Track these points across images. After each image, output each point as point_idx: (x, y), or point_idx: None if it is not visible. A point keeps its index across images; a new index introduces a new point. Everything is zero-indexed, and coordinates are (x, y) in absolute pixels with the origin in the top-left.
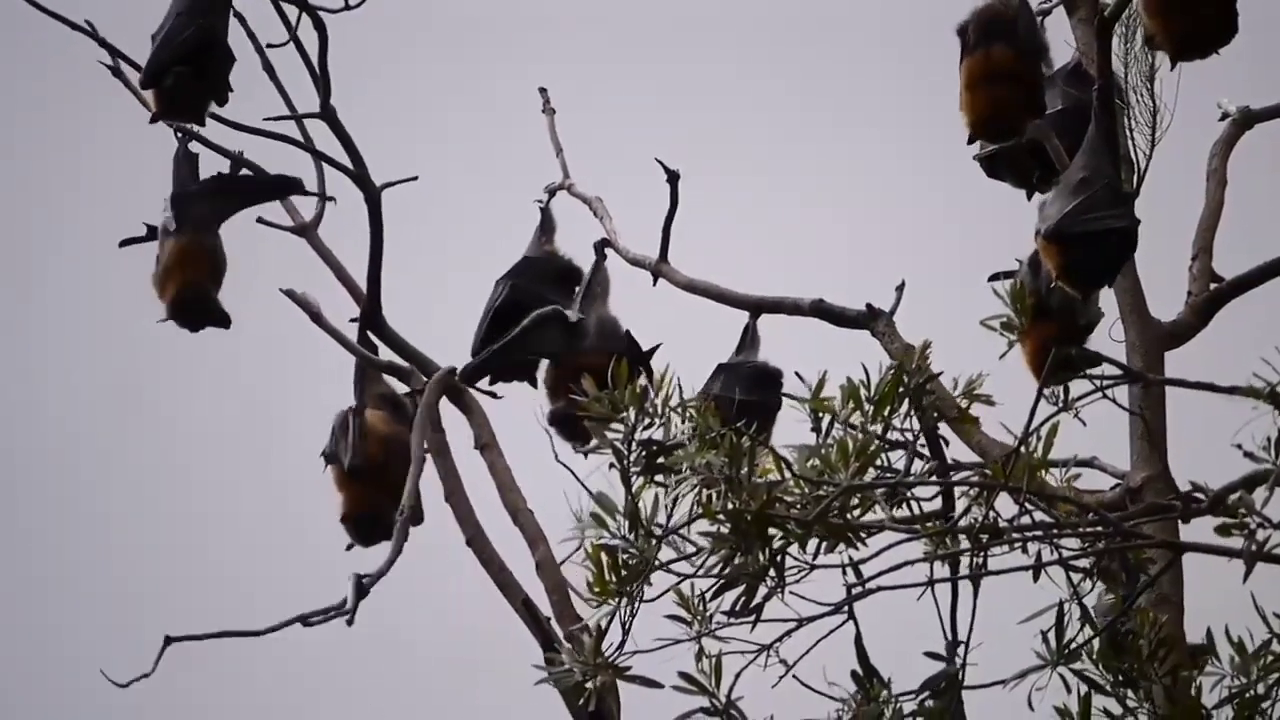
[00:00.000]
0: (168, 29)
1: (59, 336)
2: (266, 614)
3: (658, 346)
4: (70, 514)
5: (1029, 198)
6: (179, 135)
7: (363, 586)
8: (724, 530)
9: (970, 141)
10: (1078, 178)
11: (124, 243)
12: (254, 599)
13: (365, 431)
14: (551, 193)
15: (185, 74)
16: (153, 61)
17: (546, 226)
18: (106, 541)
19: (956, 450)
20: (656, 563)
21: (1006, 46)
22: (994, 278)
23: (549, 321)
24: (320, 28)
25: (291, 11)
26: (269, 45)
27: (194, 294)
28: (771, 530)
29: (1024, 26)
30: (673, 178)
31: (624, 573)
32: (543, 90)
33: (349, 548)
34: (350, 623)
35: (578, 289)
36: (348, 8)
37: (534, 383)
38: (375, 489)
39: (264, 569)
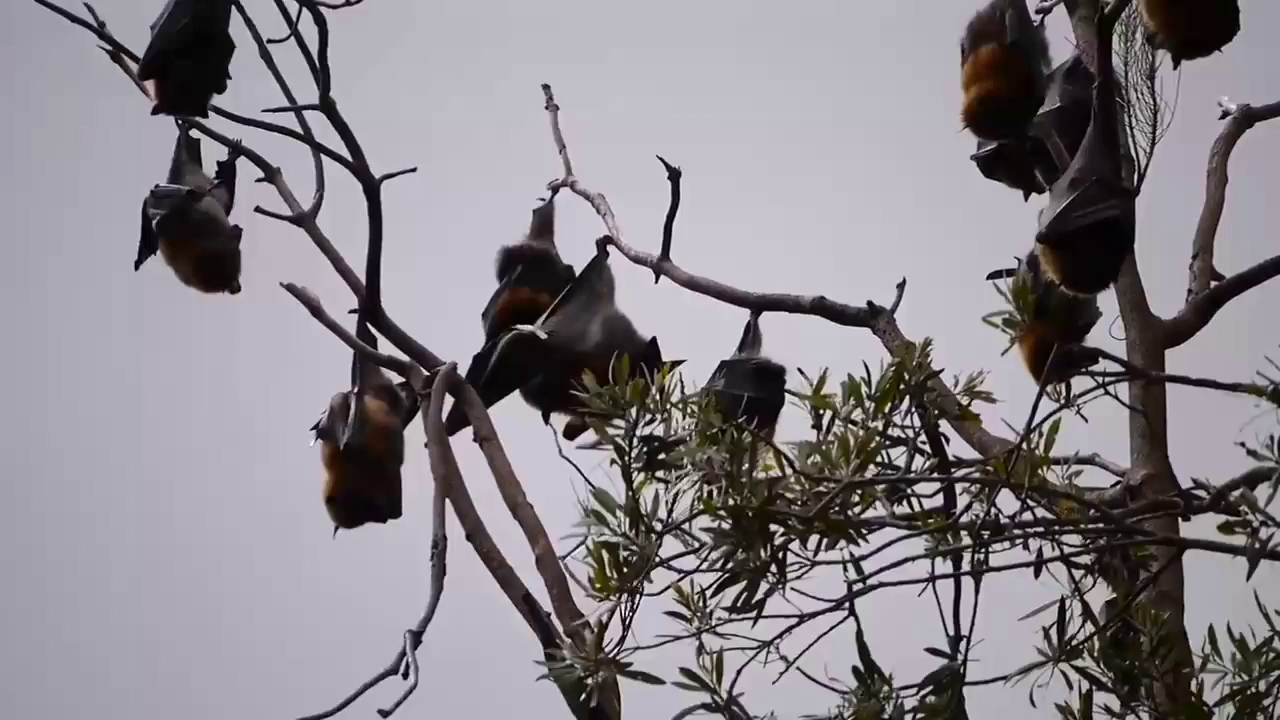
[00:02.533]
0: (165, 19)
1: (59, 334)
2: (266, 608)
3: (681, 361)
4: (68, 512)
5: (1025, 198)
6: (180, 124)
7: (418, 640)
8: (725, 526)
9: (964, 127)
10: (1070, 178)
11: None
12: (253, 591)
13: (365, 416)
14: (554, 190)
15: (185, 67)
16: (150, 52)
17: (540, 227)
18: (106, 538)
19: (957, 447)
20: (657, 559)
21: (994, 44)
22: (993, 275)
23: (518, 347)
24: (320, 22)
25: (292, 6)
26: (270, 40)
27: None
28: (772, 526)
29: (1012, 22)
30: (674, 175)
31: (625, 569)
32: (546, 87)
33: (335, 532)
34: (407, 678)
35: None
36: (348, 3)
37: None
38: (363, 473)
39: (263, 562)
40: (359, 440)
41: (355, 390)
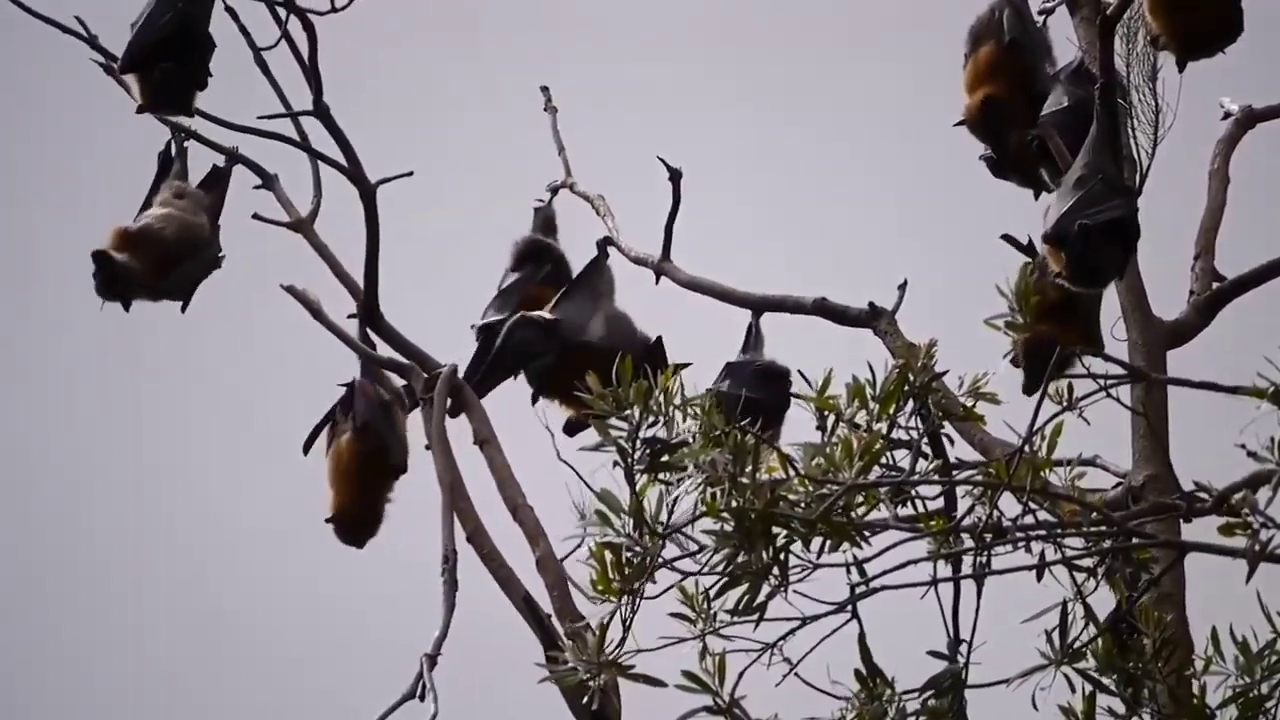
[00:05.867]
0: (146, 16)
1: (57, 337)
2: (266, 614)
3: (686, 365)
4: (67, 514)
5: (1036, 197)
6: (177, 134)
7: (434, 662)
8: (728, 529)
9: (963, 127)
10: (1075, 177)
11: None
12: (250, 598)
13: (404, 435)
14: (554, 191)
15: (167, 65)
16: (130, 48)
17: (544, 227)
18: (106, 540)
19: (960, 449)
20: (660, 561)
21: (992, 43)
22: (1005, 238)
23: (526, 328)
24: (309, 28)
25: (283, 13)
26: (262, 48)
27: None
28: (775, 529)
29: (1009, 21)
30: (675, 176)
31: (627, 571)
32: (544, 89)
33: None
34: (424, 701)
35: (562, 276)
36: (334, 10)
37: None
38: (386, 494)
39: (263, 565)
40: (405, 461)
41: (390, 397)
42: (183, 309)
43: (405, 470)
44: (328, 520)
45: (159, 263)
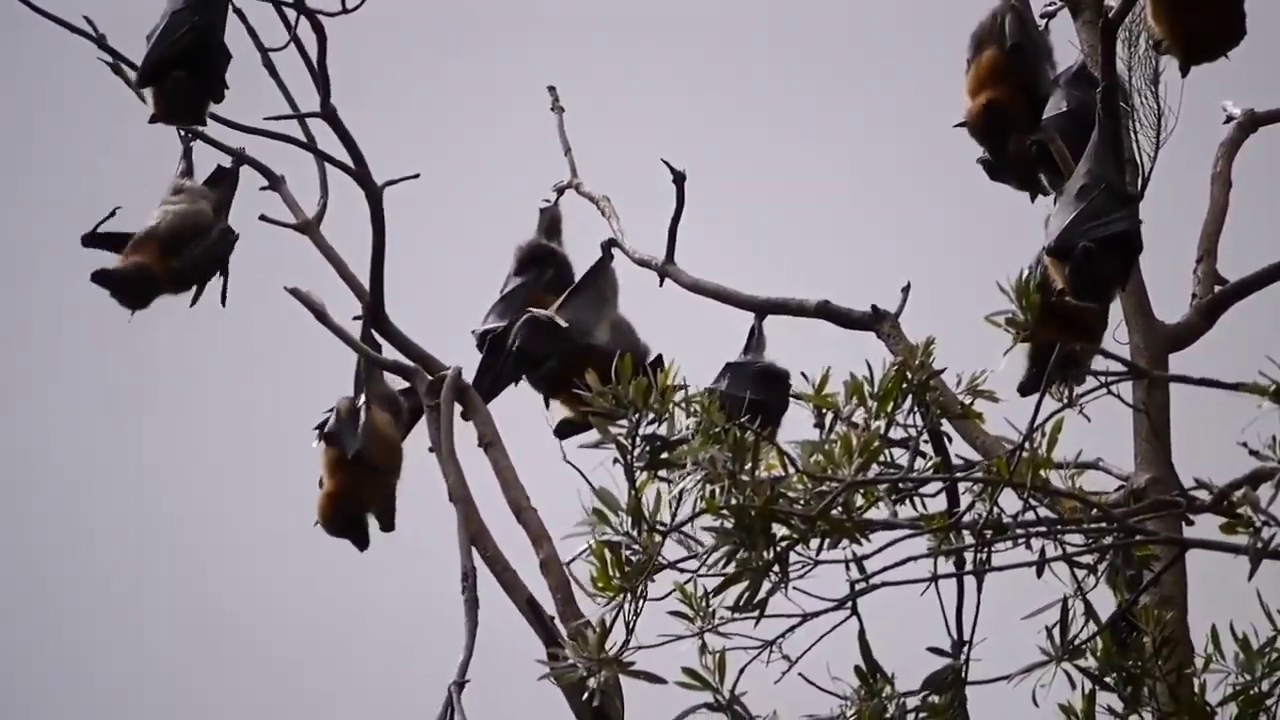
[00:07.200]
0: (162, 28)
1: (59, 336)
2: (267, 609)
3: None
4: (68, 513)
5: (1032, 200)
6: (182, 134)
7: (461, 689)
8: (728, 526)
9: (965, 131)
10: (1078, 186)
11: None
12: (255, 597)
13: (373, 428)
14: (559, 192)
15: (183, 76)
16: (147, 61)
17: (549, 228)
18: (106, 540)
19: (960, 447)
20: (660, 559)
21: (995, 49)
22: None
23: (532, 329)
24: (319, 30)
25: (292, 15)
26: (270, 49)
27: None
28: (775, 526)
29: (1012, 26)
30: (679, 178)
31: (627, 569)
32: (551, 89)
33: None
34: None
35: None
36: (345, 11)
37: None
38: (364, 484)
39: (263, 566)
40: (367, 450)
41: (364, 399)
42: (222, 300)
43: (366, 458)
44: (325, 506)
45: (160, 253)
